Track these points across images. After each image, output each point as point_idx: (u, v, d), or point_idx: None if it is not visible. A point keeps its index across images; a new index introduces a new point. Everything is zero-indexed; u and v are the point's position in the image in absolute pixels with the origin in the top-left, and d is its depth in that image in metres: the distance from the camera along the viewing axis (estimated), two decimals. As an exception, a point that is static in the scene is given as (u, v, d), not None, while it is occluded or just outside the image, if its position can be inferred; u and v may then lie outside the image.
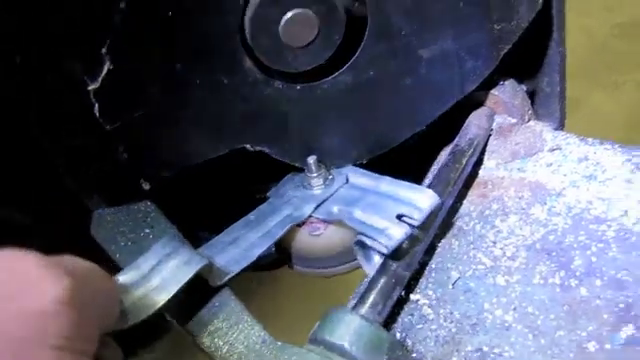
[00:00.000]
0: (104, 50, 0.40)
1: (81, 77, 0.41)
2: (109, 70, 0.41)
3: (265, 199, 0.54)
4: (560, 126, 0.60)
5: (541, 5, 0.50)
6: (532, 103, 0.59)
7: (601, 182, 0.50)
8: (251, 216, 0.50)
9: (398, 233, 0.43)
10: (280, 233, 0.48)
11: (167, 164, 0.48)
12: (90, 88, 0.41)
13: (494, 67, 0.52)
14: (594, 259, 0.44)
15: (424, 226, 0.44)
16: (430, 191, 0.45)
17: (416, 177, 0.54)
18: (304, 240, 0.53)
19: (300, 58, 0.45)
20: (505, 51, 0.52)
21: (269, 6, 0.42)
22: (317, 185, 0.52)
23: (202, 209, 0.57)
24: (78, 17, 0.39)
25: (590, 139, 0.55)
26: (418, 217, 0.43)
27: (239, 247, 0.47)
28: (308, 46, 0.45)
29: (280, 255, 0.54)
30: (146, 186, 0.48)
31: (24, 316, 0.25)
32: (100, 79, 0.41)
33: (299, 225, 0.52)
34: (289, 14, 0.43)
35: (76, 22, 0.39)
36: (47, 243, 0.31)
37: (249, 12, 0.43)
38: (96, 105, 0.42)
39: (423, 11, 0.47)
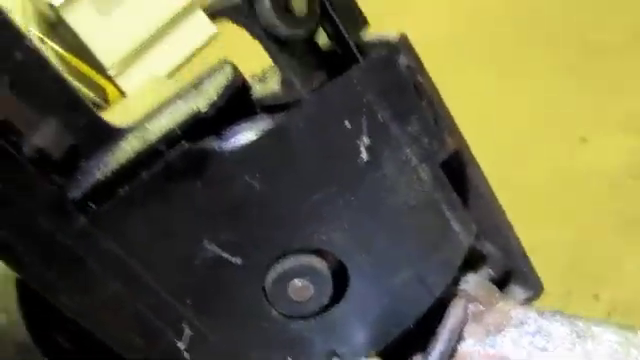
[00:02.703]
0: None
1: None
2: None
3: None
4: (538, 288, 0.77)
5: (475, 231, 0.69)
6: (509, 279, 0.77)
7: (551, 352, 0.66)
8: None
9: None
10: None
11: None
12: None
13: (456, 272, 0.70)
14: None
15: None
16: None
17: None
18: None
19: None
20: (462, 260, 0.70)
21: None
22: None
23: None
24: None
25: (547, 312, 0.71)
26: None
27: None
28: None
29: None
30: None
31: None
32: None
33: None
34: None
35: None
36: None
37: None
38: None
39: (388, 252, 0.66)
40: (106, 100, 5.25)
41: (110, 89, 5.19)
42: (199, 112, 0.59)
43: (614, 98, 2.42)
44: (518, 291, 0.77)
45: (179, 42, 5.38)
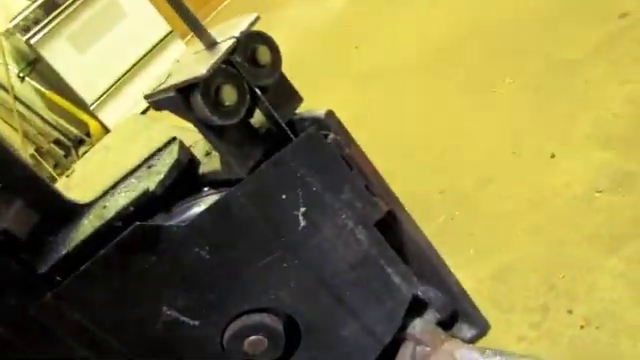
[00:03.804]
0: None
1: None
2: None
3: None
4: (484, 325, 0.83)
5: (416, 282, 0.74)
6: (456, 319, 0.83)
7: (489, 389, 0.71)
8: None
9: None
10: None
11: None
12: None
13: (401, 320, 0.76)
14: None
15: None
16: None
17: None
18: None
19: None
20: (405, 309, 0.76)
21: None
22: None
23: None
24: None
25: (489, 351, 0.76)
26: None
27: None
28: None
29: None
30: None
31: None
32: None
33: None
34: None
35: None
36: None
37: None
38: None
39: (334, 307, 0.72)
40: (89, 135, 5.29)
41: (92, 124, 5.23)
42: (149, 191, 0.64)
43: (580, 112, 2.49)
44: (465, 329, 0.82)
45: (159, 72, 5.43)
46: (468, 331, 0.82)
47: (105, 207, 0.68)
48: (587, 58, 2.74)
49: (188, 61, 0.61)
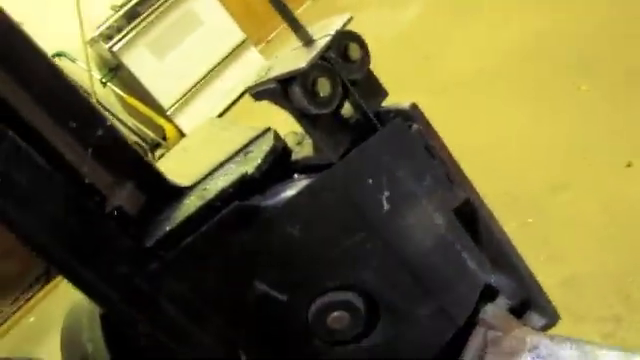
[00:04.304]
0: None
1: None
2: None
3: None
4: (554, 316, 0.86)
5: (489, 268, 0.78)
6: (527, 309, 0.86)
7: (561, 373, 0.75)
8: None
9: None
10: None
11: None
12: None
13: (475, 304, 0.80)
14: None
15: None
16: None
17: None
18: None
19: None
20: (479, 293, 0.80)
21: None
22: None
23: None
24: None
25: (557, 338, 0.79)
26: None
27: None
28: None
29: None
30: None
31: None
32: None
33: None
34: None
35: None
36: None
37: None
38: None
39: (413, 288, 0.76)
40: (165, 139, 5.51)
41: (169, 128, 5.44)
42: (247, 174, 0.71)
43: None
44: (536, 318, 0.85)
45: (233, 79, 5.61)
46: (539, 320, 0.86)
47: (205, 189, 0.75)
48: (665, 68, 2.68)
49: (287, 56, 0.67)
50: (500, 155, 2.76)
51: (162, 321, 0.74)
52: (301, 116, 0.65)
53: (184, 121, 5.45)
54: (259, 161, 0.71)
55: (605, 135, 2.57)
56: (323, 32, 0.65)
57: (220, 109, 5.46)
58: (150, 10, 5.23)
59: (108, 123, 0.73)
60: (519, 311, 0.85)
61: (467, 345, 0.81)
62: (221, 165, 0.78)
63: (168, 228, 0.73)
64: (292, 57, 0.65)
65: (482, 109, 3.15)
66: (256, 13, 5.83)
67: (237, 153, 0.78)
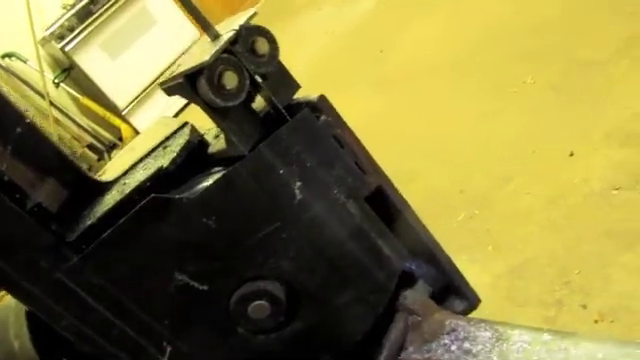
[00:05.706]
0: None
1: None
2: None
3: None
4: (474, 300, 0.89)
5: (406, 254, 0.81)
6: (448, 294, 0.89)
7: (474, 354, 0.77)
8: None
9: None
10: None
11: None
12: None
13: (392, 292, 0.82)
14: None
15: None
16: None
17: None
18: None
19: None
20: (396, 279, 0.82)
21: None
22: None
23: None
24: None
25: (474, 319, 0.82)
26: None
27: None
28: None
29: None
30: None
31: None
32: None
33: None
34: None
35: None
36: None
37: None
38: None
39: (330, 276, 0.78)
40: (121, 139, 5.45)
41: (125, 128, 5.38)
42: (163, 168, 0.72)
43: (599, 112, 2.52)
44: (457, 303, 0.88)
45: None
46: (459, 304, 0.89)
47: (125, 183, 0.76)
48: (608, 58, 2.76)
49: (195, 52, 0.69)
50: (449, 148, 2.81)
51: (85, 315, 0.75)
52: (211, 109, 0.66)
53: (140, 121, 5.40)
54: (174, 154, 0.73)
55: (549, 126, 2.64)
56: (229, 28, 0.67)
57: (176, 109, 5.42)
58: (103, 9, 5.16)
59: (27, 121, 0.73)
60: (441, 297, 0.88)
61: (388, 330, 0.83)
62: (141, 160, 0.79)
63: (89, 222, 0.74)
64: (199, 52, 0.67)
65: (432, 102, 3.20)
66: (210, 11, 5.81)
67: (156, 147, 0.79)
